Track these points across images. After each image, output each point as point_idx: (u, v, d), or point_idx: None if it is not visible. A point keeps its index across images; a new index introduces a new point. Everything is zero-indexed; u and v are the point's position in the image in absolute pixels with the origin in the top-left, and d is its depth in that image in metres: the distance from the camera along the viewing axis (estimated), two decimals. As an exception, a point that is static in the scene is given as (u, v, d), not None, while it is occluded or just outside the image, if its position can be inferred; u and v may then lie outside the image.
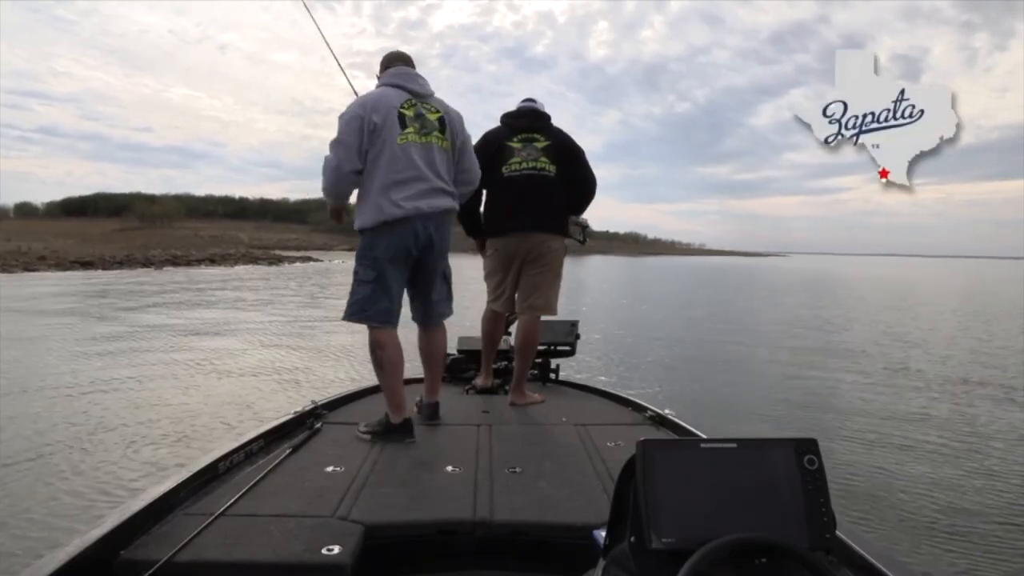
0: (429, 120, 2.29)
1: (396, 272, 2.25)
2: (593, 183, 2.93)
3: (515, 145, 2.78)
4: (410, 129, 2.24)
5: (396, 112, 2.23)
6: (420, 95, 2.31)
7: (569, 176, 2.82)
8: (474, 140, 2.77)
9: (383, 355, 2.24)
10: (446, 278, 2.44)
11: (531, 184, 2.74)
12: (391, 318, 2.26)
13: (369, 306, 2.23)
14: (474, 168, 2.47)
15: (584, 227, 3.23)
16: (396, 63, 2.38)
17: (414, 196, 2.20)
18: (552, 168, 2.77)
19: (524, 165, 2.76)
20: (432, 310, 2.42)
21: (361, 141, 2.20)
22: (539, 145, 2.78)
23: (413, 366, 2.54)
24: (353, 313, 2.26)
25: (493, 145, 2.78)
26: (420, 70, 2.39)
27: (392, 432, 2.12)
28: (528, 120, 2.84)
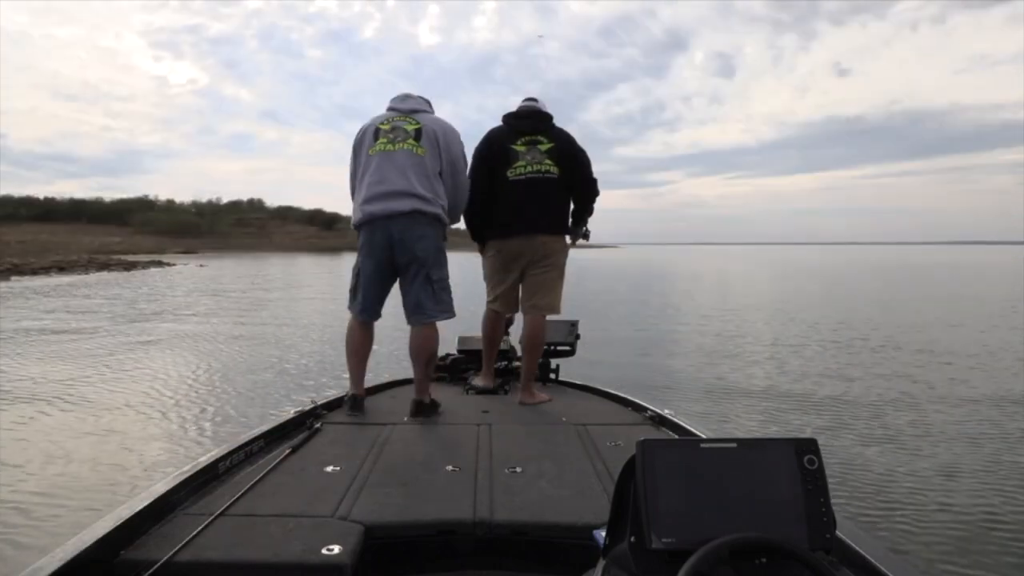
0: (404, 130, 2.52)
1: (371, 269, 2.52)
2: (595, 186, 2.95)
3: (519, 149, 2.80)
4: (382, 140, 2.50)
5: (375, 128, 2.54)
6: (403, 111, 2.59)
7: (572, 177, 2.83)
8: (474, 142, 2.81)
9: (348, 338, 2.63)
10: (430, 279, 2.50)
11: (535, 187, 2.77)
12: (365, 309, 2.57)
13: (352, 297, 2.61)
14: (460, 189, 2.62)
15: (585, 235, 3.23)
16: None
17: (373, 200, 2.44)
18: (555, 170, 2.79)
19: (529, 169, 2.78)
20: (412, 309, 2.53)
21: (356, 158, 2.58)
22: (543, 148, 2.79)
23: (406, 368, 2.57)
24: (348, 303, 2.63)
25: (496, 146, 2.81)
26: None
27: (346, 404, 2.47)
28: (532, 122, 2.86)
